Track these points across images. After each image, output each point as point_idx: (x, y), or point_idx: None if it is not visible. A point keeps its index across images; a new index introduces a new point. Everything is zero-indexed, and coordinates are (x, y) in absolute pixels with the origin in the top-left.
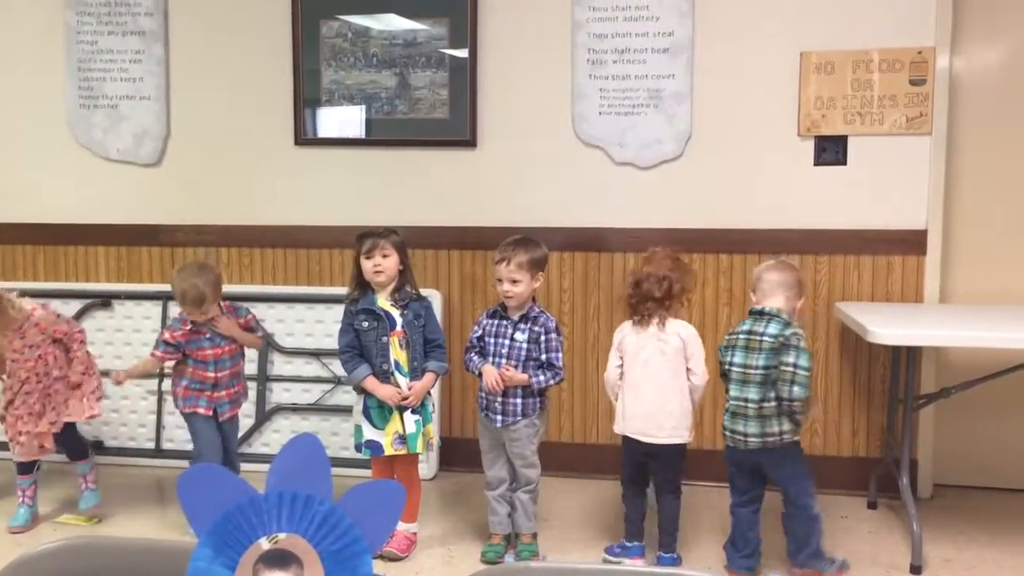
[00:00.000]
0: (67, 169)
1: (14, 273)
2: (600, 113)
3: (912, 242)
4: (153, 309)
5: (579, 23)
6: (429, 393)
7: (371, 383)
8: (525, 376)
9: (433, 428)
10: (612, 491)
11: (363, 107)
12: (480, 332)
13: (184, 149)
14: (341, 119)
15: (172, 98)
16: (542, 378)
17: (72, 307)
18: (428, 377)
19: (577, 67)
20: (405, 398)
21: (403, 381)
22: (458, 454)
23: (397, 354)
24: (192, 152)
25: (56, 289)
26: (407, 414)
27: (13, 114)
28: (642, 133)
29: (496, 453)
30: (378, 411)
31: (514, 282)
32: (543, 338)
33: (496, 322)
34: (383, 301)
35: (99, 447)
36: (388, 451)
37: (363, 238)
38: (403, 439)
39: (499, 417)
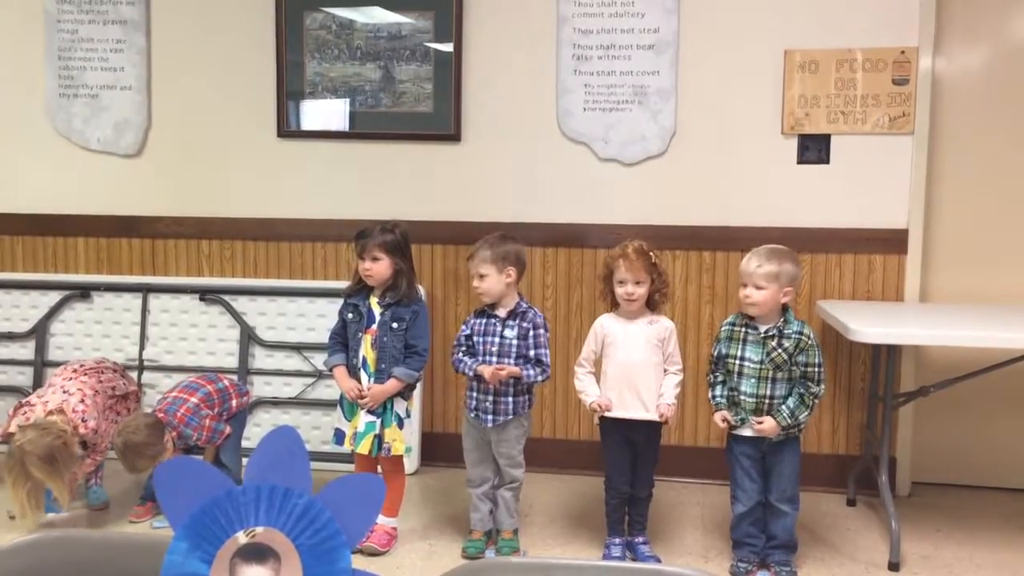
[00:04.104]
0: (46, 159)
1: None
2: (585, 109)
3: (893, 241)
4: (133, 301)
5: (564, 18)
6: (403, 398)
7: (338, 373)
8: (518, 368)
9: (401, 434)
10: (593, 487)
11: (347, 100)
12: (468, 331)
13: (165, 140)
14: (324, 112)
15: (153, 89)
16: (532, 372)
17: (51, 298)
18: (390, 382)
19: (562, 62)
20: (362, 396)
21: (366, 380)
22: (440, 449)
23: (367, 352)
24: (173, 143)
25: (35, 280)
26: (363, 413)
27: None
28: (626, 129)
29: (481, 453)
30: (348, 403)
31: (480, 276)
32: (531, 334)
33: (484, 320)
34: (373, 298)
35: None
36: (346, 445)
37: (357, 238)
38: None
39: (490, 417)
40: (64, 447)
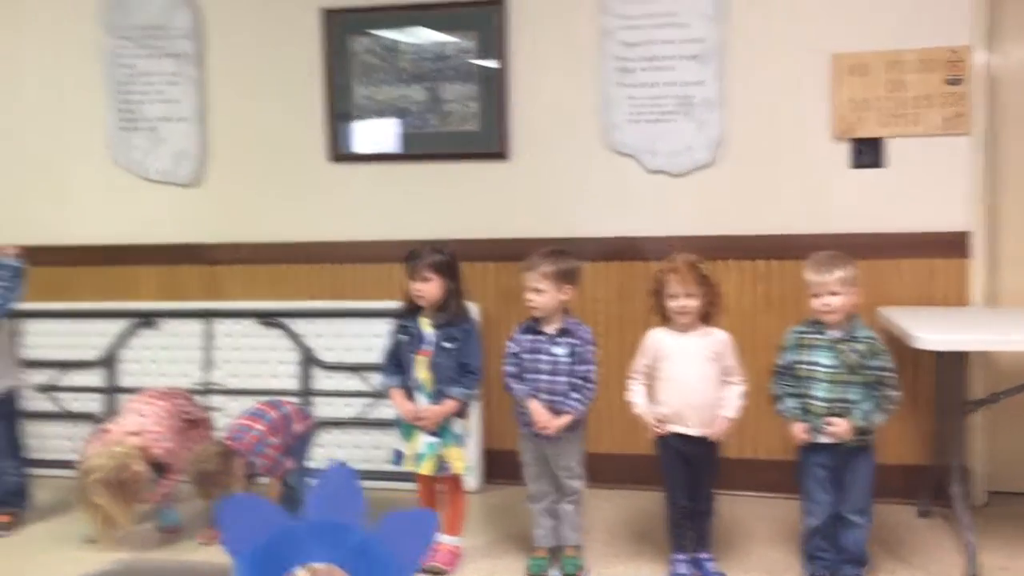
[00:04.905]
0: (109, 191)
1: (60, 294)
2: (630, 121)
3: (954, 244)
4: (196, 326)
5: (607, 31)
6: (460, 417)
7: (395, 395)
8: (568, 417)
9: (460, 453)
10: (654, 502)
11: (395, 121)
12: (516, 349)
13: (221, 168)
14: (373, 134)
15: (208, 118)
16: (576, 404)
17: (119, 326)
18: (447, 403)
19: (606, 76)
20: (420, 418)
21: (422, 401)
22: (501, 466)
23: (421, 373)
24: (229, 171)
25: (103, 309)
26: (422, 434)
27: (55, 138)
28: (673, 140)
29: (540, 467)
30: (406, 424)
31: (537, 291)
32: (579, 350)
33: (532, 337)
34: (424, 319)
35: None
36: (407, 465)
37: (408, 259)
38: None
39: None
40: (130, 471)
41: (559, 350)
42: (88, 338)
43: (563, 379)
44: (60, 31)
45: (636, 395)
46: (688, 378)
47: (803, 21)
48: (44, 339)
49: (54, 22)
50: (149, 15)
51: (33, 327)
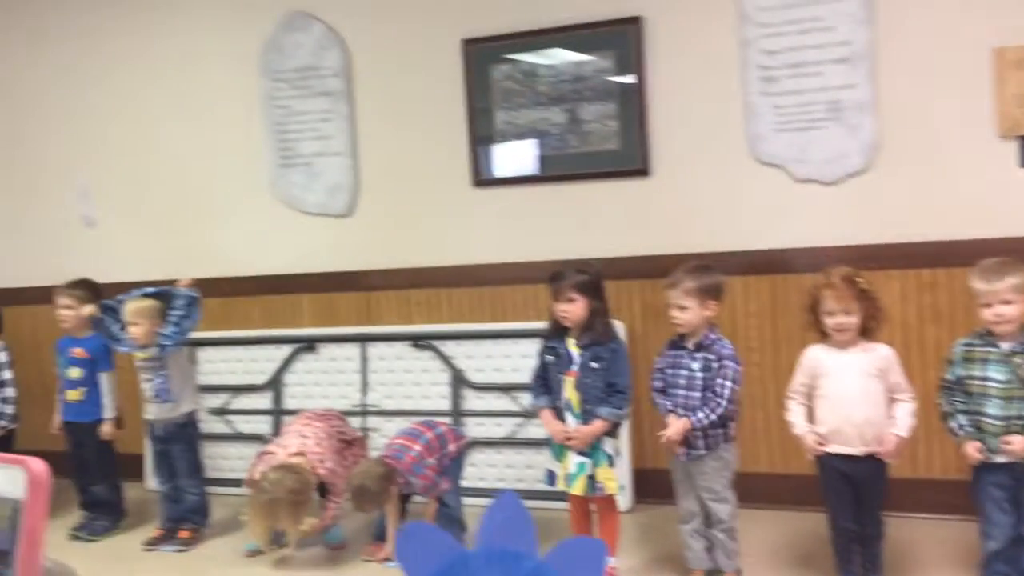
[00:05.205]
0: (270, 224)
1: (229, 322)
2: (776, 130)
3: None
4: (353, 350)
5: (748, 41)
6: (611, 437)
7: (544, 416)
8: (685, 421)
9: (613, 473)
10: (816, 523)
11: (535, 144)
12: (662, 364)
13: (372, 198)
14: (515, 158)
15: (359, 152)
16: (700, 415)
17: (283, 351)
18: (597, 423)
19: (749, 85)
20: (569, 438)
21: (572, 421)
22: (654, 486)
23: (569, 394)
24: (380, 201)
25: (269, 336)
26: (572, 454)
27: (223, 179)
28: (824, 147)
29: (686, 485)
30: (557, 445)
31: (681, 308)
32: (714, 365)
33: (675, 352)
34: (570, 339)
35: None
36: (559, 485)
37: (552, 280)
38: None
39: (683, 450)
40: (306, 487)
41: (695, 365)
42: (256, 363)
43: (697, 394)
44: (224, 78)
45: (795, 415)
46: (849, 396)
47: (959, 16)
48: (217, 365)
49: (219, 70)
50: (302, 58)
51: (207, 354)
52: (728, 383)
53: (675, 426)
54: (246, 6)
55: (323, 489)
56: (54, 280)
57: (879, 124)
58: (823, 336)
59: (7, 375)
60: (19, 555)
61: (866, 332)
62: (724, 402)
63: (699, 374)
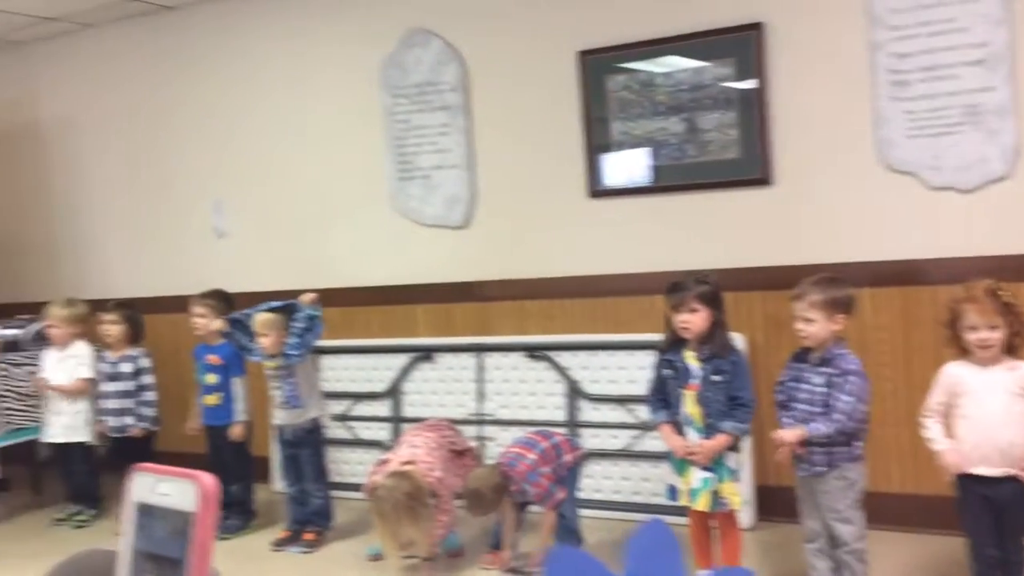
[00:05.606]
0: (390, 236)
1: (351, 331)
2: (908, 136)
3: None
4: (469, 360)
5: (877, 44)
6: (734, 451)
7: (664, 430)
8: (801, 430)
9: (736, 488)
10: (952, 547)
11: (652, 154)
12: (784, 377)
13: (489, 210)
14: (631, 169)
15: (476, 164)
16: (817, 425)
17: (401, 360)
18: (720, 438)
19: (878, 90)
20: (692, 454)
21: (693, 436)
22: (777, 503)
23: (690, 408)
24: (496, 212)
25: (388, 345)
26: (695, 469)
27: (344, 192)
28: (960, 153)
29: (810, 504)
30: (678, 459)
31: (807, 321)
32: (836, 380)
33: (798, 366)
34: (688, 352)
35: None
36: (681, 500)
37: (671, 291)
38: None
39: (804, 465)
40: (420, 491)
41: (817, 379)
42: (376, 371)
43: (818, 409)
44: (347, 95)
45: (933, 432)
46: (992, 417)
47: None
48: (339, 372)
49: (342, 88)
50: (422, 73)
51: (329, 361)
52: (849, 398)
53: (789, 433)
54: (368, 25)
55: (435, 497)
56: (190, 290)
57: (1022, 128)
58: (963, 352)
59: (149, 380)
60: (190, 565)
61: (1011, 349)
62: (843, 417)
63: (821, 389)
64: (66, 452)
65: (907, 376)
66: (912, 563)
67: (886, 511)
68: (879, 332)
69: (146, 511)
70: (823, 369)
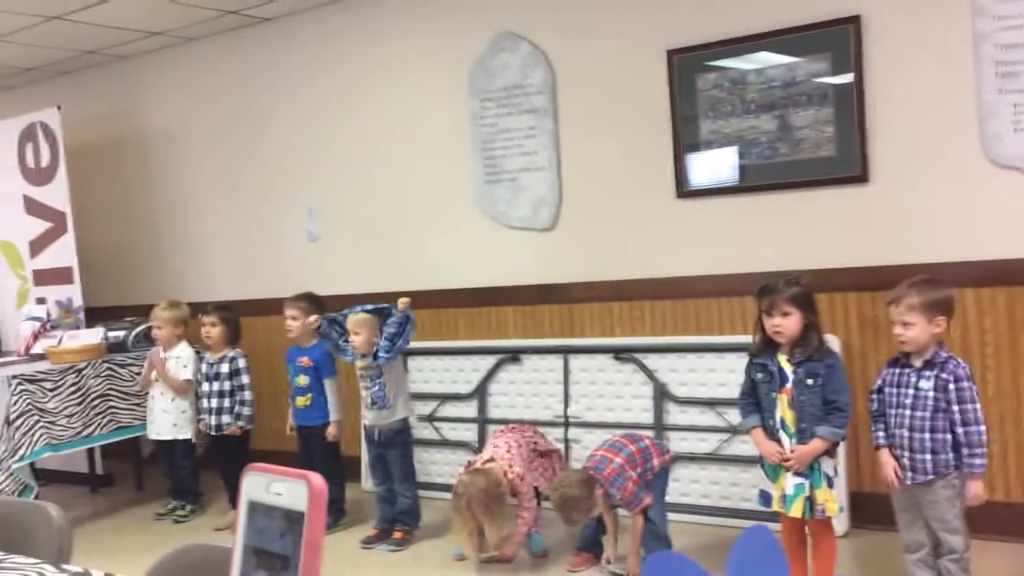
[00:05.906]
0: (477, 239)
1: (439, 332)
2: (1016, 130)
3: None
4: (555, 362)
5: (983, 35)
6: (830, 457)
7: (756, 436)
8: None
9: (833, 495)
10: None
11: (742, 153)
12: (880, 383)
13: (575, 212)
14: (720, 168)
15: (563, 166)
16: (976, 459)
17: (488, 361)
18: (815, 443)
19: (984, 83)
20: (786, 459)
21: (786, 441)
22: (872, 511)
23: (784, 412)
24: (582, 214)
25: (475, 346)
26: (789, 475)
27: (433, 196)
28: None
29: (912, 514)
30: (771, 464)
31: (905, 325)
32: (951, 387)
33: (897, 371)
34: (781, 355)
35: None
36: (774, 506)
37: (762, 293)
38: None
39: (908, 473)
40: (496, 485)
41: (925, 384)
42: (462, 372)
43: (927, 414)
44: (435, 100)
45: None
46: None
47: None
48: (426, 374)
49: (431, 92)
50: (509, 77)
51: (416, 363)
52: (971, 406)
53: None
54: (457, 30)
55: (515, 494)
56: (284, 293)
57: None
58: None
59: (246, 380)
60: (301, 563)
61: None
62: (982, 427)
63: (929, 394)
64: (169, 449)
65: (1012, 381)
66: (1017, 574)
67: (989, 520)
68: (984, 334)
69: (258, 509)
70: (931, 373)
